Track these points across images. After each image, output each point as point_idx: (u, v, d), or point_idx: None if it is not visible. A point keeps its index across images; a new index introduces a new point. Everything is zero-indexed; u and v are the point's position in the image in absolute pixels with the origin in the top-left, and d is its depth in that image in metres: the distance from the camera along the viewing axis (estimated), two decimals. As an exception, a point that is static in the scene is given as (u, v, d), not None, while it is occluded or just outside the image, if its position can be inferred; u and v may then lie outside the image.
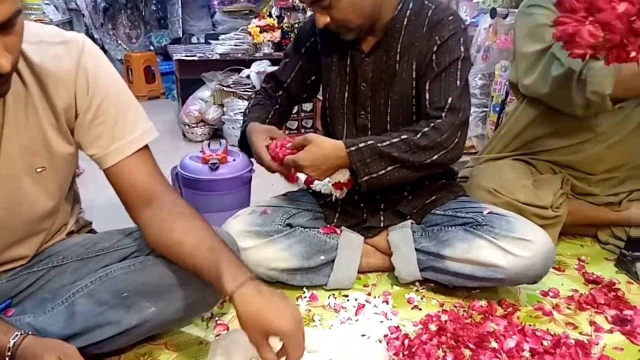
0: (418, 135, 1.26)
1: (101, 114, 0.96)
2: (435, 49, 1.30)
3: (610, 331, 1.27)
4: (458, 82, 1.31)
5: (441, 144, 1.27)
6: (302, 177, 1.34)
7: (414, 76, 1.35)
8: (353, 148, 1.26)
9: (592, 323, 1.29)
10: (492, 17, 2.30)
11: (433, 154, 1.28)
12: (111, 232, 1.15)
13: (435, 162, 1.29)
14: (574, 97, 1.40)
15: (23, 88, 0.89)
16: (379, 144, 1.26)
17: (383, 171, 1.27)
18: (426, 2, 1.35)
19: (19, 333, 0.88)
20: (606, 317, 1.32)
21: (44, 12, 4.63)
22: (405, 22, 1.33)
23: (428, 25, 1.32)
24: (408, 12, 1.34)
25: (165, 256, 1.01)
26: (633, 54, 1.05)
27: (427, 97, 1.32)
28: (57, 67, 0.91)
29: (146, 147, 1.02)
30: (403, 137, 1.27)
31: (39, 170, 0.95)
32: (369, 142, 1.26)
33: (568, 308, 1.36)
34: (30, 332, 0.91)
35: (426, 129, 1.27)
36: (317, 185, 1.36)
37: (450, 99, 1.29)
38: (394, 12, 1.33)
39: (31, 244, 1.04)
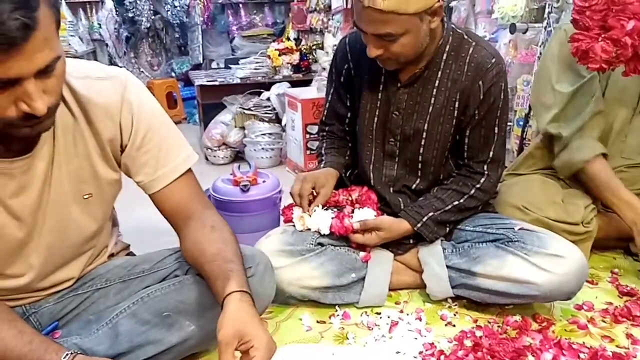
0: (466, 198, 1.42)
1: (146, 143, 1.01)
2: (479, 96, 1.34)
3: (648, 344, 1.25)
4: (496, 130, 1.39)
5: (486, 199, 1.48)
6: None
7: (455, 114, 1.38)
8: (420, 225, 1.40)
9: (629, 336, 1.28)
10: (512, 32, 2.31)
11: (480, 205, 1.46)
12: (150, 254, 1.19)
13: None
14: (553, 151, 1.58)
15: (72, 119, 0.94)
16: (436, 214, 1.40)
17: (447, 230, 1.44)
18: (465, 37, 1.36)
19: (69, 352, 0.91)
20: (643, 330, 1.31)
21: (69, 44, 4.77)
22: (444, 57, 1.35)
23: (470, 64, 1.33)
24: (448, 46, 1.34)
25: (193, 266, 1.05)
26: None
27: (467, 143, 1.41)
28: (103, 100, 0.96)
29: (189, 169, 1.06)
30: (454, 203, 1.41)
31: (86, 196, 1.00)
32: (429, 215, 1.40)
33: (603, 321, 1.35)
34: (79, 352, 0.94)
35: (473, 191, 1.42)
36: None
37: (491, 153, 1.41)
38: (437, 46, 1.33)
39: (77, 266, 1.09)
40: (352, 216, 1.40)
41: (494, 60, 1.33)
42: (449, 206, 1.41)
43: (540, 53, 2.18)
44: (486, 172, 1.42)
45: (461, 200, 1.41)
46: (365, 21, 1.20)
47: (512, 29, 2.27)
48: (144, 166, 1.02)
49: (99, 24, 4.92)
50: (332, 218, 1.41)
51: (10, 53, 0.69)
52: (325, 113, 1.60)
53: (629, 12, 1.05)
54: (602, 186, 1.53)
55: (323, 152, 1.57)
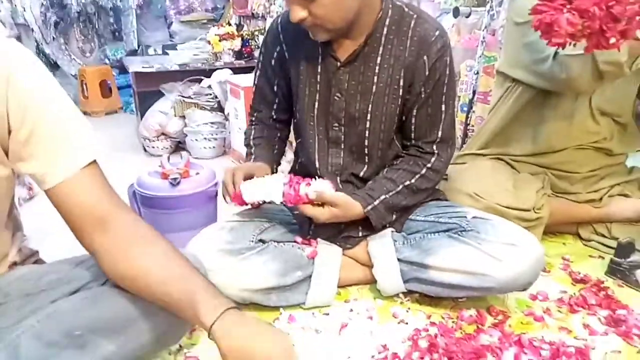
0: (417, 178, 1.32)
1: (38, 128, 0.83)
2: (425, 72, 1.24)
3: (605, 333, 1.21)
4: (444, 107, 1.29)
5: (438, 180, 1.38)
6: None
7: (400, 93, 1.27)
8: (370, 208, 1.29)
9: (585, 326, 1.24)
10: (455, 16, 2.26)
11: (431, 187, 1.37)
12: (60, 262, 1.02)
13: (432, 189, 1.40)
14: (584, 73, 1.34)
15: None
16: (388, 197, 1.30)
17: (393, 217, 1.34)
18: (406, 10, 1.25)
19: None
20: (599, 319, 1.27)
21: (-11, 28, 4.39)
22: (385, 31, 1.24)
23: (412, 38, 1.23)
24: (388, 20, 1.24)
25: (127, 288, 0.90)
26: (613, 40, 1.00)
27: (414, 123, 1.31)
28: None
29: (94, 163, 0.90)
30: (405, 183, 1.31)
31: (-33, 198, 0.82)
32: (381, 198, 1.29)
33: (559, 311, 1.31)
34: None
35: (424, 171, 1.32)
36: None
37: (440, 132, 1.31)
38: (376, 19, 1.23)
39: (-35, 282, 0.91)
40: (309, 184, 1.24)
41: (437, 32, 1.24)
42: (400, 187, 1.31)
43: (484, 37, 2.13)
44: (436, 152, 1.33)
45: (412, 181, 1.32)
46: None
47: (456, 12, 2.22)
48: (36, 156, 0.84)
49: (24, 7, 4.56)
50: (285, 184, 1.24)
51: None
52: (253, 99, 1.47)
53: None
54: None
55: (252, 143, 1.44)
